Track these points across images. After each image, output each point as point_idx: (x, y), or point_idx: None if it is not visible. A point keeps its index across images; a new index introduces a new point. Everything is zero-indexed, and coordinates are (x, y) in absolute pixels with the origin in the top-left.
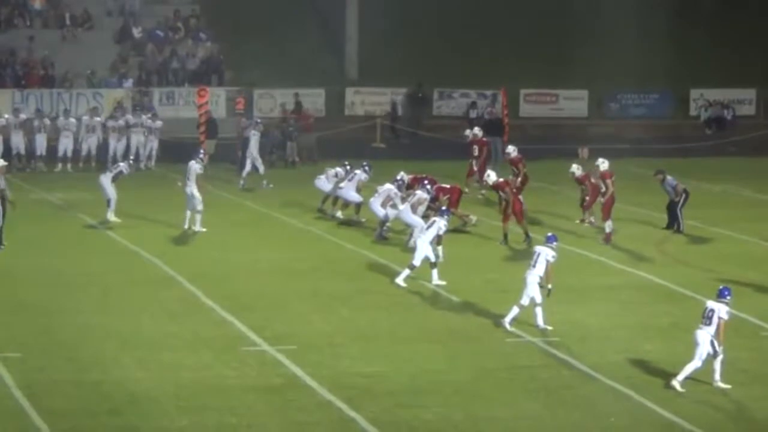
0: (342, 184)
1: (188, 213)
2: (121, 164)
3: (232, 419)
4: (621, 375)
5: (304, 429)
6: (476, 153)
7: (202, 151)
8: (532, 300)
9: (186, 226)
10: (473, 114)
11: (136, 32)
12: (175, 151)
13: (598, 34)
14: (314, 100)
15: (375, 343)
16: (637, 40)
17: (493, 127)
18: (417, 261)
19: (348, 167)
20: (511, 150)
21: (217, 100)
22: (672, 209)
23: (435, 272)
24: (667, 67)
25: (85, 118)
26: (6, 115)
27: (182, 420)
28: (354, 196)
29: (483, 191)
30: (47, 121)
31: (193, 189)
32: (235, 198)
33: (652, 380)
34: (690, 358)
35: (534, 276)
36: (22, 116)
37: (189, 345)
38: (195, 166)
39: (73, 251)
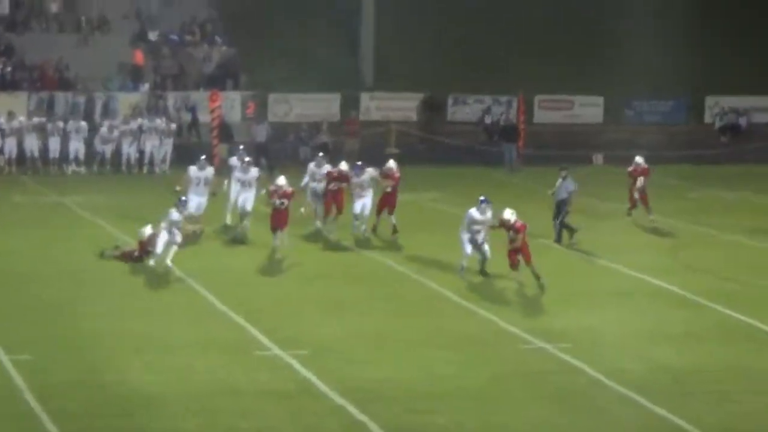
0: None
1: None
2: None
3: (243, 423)
4: (634, 382)
5: None
6: (640, 183)
7: (183, 198)
8: None
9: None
10: (488, 120)
11: (152, 36)
12: (189, 156)
13: (614, 40)
14: (329, 105)
15: (387, 348)
16: (653, 48)
17: (507, 134)
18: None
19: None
20: None
21: (232, 104)
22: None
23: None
24: (683, 75)
25: (110, 122)
26: (21, 118)
27: (193, 423)
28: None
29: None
30: (60, 124)
31: (165, 237)
32: None
33: (665, 387)
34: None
35: None
36: (36, 119)
37: (201, 348)
38: (173, 216)
39: (85, 254)
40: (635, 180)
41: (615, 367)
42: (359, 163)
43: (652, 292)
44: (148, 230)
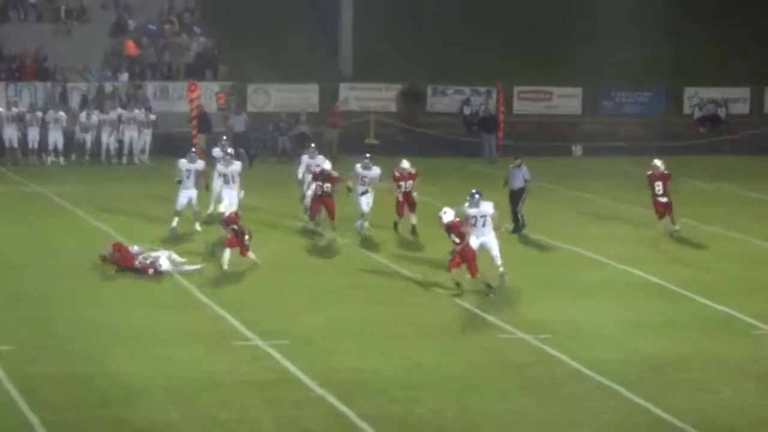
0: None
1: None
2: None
3: (224, 414)
4: (613, 372)
5: (296, 424)
6: (659, 189)
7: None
8: None
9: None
10: (467, 111)
11: (131, 25)
12: (169, 146)
13: (593, 31)
14: (308, 95)
15: (368, 338)
16: (631, 39)
17: (487, 125)
18: None
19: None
20: None
21: (210, 94)
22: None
23: None
24: (662, 66)
25: (85, 113)
26: (0, 108)
27: (174, 414)
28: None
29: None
30: (39, 114)
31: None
32: None
33: (644, 377)
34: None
35: None
36: (15, 110)
37: (181, 339)
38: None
39: (66, 244)
40: (654, 185)
41: (594, 358)
42: (368, 155)
43: (632, 283)
44: (165, 262)
